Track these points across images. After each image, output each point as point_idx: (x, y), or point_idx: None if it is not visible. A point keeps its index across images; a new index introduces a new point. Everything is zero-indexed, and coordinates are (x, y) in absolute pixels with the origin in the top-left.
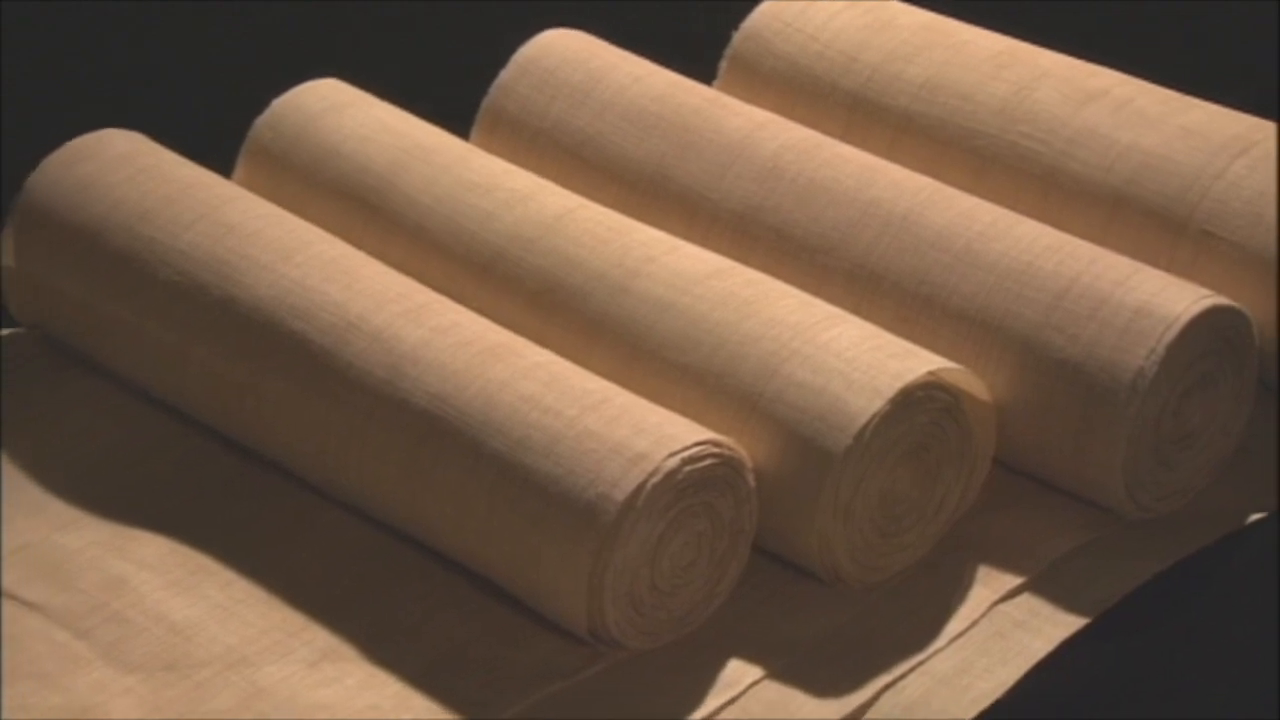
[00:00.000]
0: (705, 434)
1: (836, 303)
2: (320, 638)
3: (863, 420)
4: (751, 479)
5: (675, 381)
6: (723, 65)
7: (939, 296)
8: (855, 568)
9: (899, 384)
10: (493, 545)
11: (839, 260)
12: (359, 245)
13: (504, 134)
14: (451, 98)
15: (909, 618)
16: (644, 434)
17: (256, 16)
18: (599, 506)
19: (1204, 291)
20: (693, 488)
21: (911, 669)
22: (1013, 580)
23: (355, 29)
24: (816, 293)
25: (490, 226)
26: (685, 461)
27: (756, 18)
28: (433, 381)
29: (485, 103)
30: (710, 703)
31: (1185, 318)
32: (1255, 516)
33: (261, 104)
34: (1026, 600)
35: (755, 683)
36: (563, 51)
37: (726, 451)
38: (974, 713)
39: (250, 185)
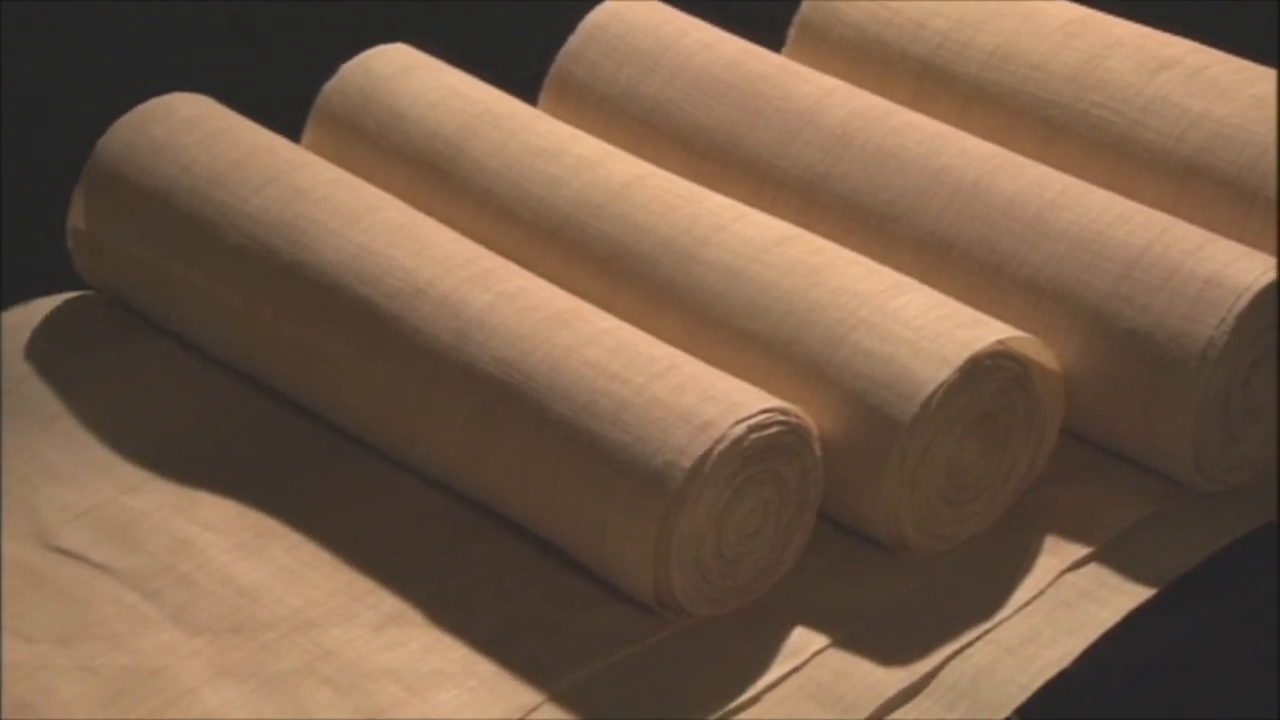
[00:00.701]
0: (772, 401)
1: (904, 271)
2: (386, 601)
3: (930, 389)
4: (818, 447)
5: (742, 349)
6: (791, 32)
7: (1008, 265)
8: (921, 536)
9: (967, 353)
10: (559, 511)
11: (907, 228)
12: (426, 210)
13: (571, 100)
14: (519, 63)
15: (975, 586)
16: (711, 401)
17: None
18: (666, 474)
19: (1275, 262)
20: (759, 455)
21: (978, 638)
22: (1080, 550)
23: None
24: (884, 261)
25: (558, 192)
26: (752, 429)
27: None
28: (499, 347)
29: (553, 69)
30: (775, 670)
31: (1255, 288)
32: None
33: (330, 69)
34: (1093, 570)
35: (820, 650)
36: (631, 18)
37: (793, 419)
38: (1040, 682)
39: (318, 150)
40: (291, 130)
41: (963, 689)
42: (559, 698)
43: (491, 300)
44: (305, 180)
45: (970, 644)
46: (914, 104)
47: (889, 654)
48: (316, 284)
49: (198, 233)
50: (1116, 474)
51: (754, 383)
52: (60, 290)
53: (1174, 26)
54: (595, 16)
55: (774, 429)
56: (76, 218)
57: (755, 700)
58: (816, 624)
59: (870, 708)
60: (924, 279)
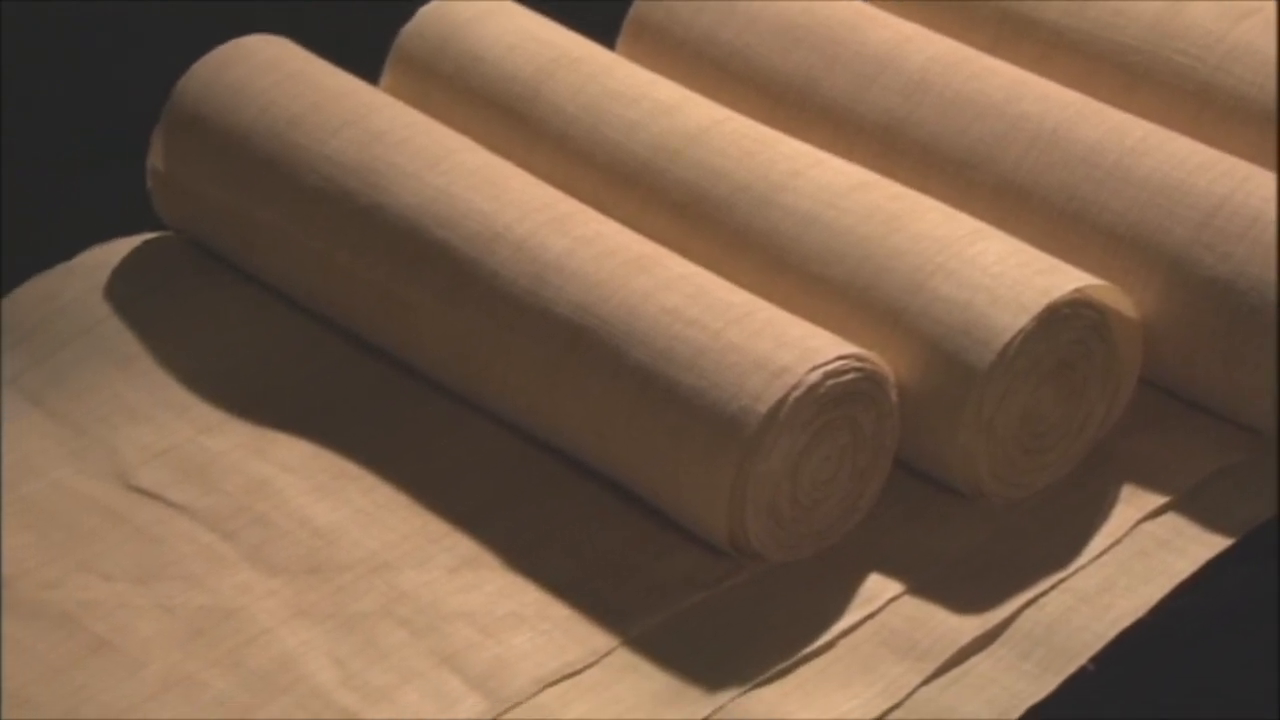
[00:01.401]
0: (848, 348)
1: (982, 218)
2: (462, 544)
3: (1007, 336)
4: (894, 393)
5: (819, 295)
6: None
7: (1088, 212)
8: (997, 484)
9: (1045, 300)
10: (634, 456)
11: (985, 175)
12: (504, 154)
13: (649, 45)
14: (596, 8)
15: (1051, 535)
16: (787, 347)
17: None
18: (741, 419)
19: None
20: (835, 401)
21: (1053, 586)
22: (1157, 499)
23: None
24: (962, 207)
25: (635, 137)
26: (828, 375)
27: None
28: (576, 291)
29: (631, 13)
30: (850, 616)
31: None
32: None
33: (408, 12)
34: (1170, 520)
35: (895, 598)
36: None
37: (869, 366)
38: (1115, 631)
39: (396, 93)
40: (369, 73)
41: (1038, 637)
42: (633, 642)
43: (569, 245)
44: (383, 123)
45: (1045, 592)
46: (993, 50)
47: (964, 602)
48: (394, 227)
49: (275, 175)
50: (1194, 423)
51: (830, 329)
52: (139, 231)
53: None
54: None
55: (850, 375)
56: (156, 159)
57: (829, 646)
58: (891, 571)
59: (944, 655)
60: (1002, 225)
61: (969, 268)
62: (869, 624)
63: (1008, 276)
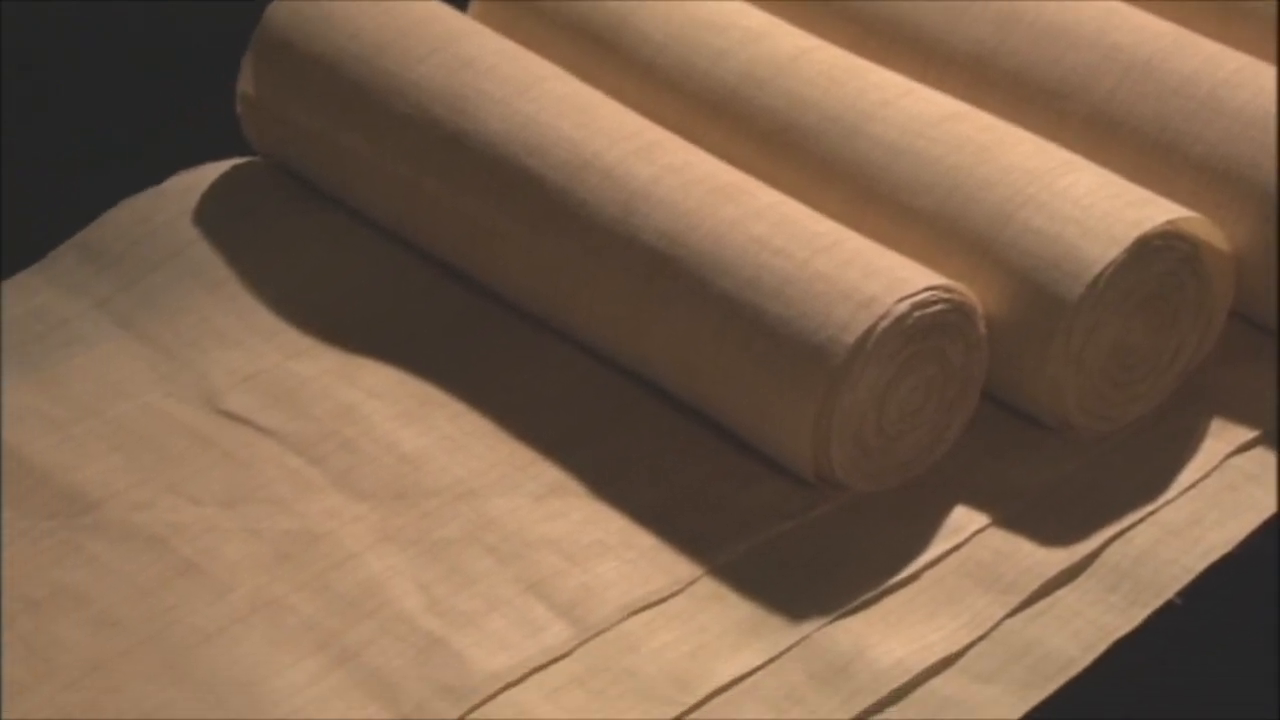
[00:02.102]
0: (937, 279)
1: (1073, 149)
2: (547, 472)
3: (1098, 268)
4: (982, 325)
5: (907, 226)
6: None
7: (1180, 144)
8: (1085, 417)
9: (1136, 232)
10: (720, 385)
11: (1077, 105)
12: (592, 82)
13: None
14: None
15: (1139, 468)
16: (875, 278)
17: None
18: (828, 350)
19: None
20: (922, 333)
21: (1141, 519)
22: (1246, 433)
23: None
24: (1053, 139)
25: (723, 65)
26: (916, 306)
27: None
28: (663, 220)
29: None
30: (935, 548)
31: None
32: None
33: None
34: (1259, 454)
35: (981, 530)
36: None
37: (958, 297)
38: (1204, 565)
39: (485, 20)
40: (458, 1)
41: (1125, 570)
42: (717, 571)
43: (656, 173)
44: (472, 49)
45: (1133, 526)
46: None
47: (1050, 534)
48: (482, 154)
49: (364, 101)
50: None
51: (918, 259)
52: (228, 156)
53: None
54: None
55: (938, 306)
56: (245, 84)
57: (914, 578)
58: (977, 503)
59: (1030, 588)
60: (1093, 157)
61: (1059, 199)
62: (954, 556)
63: (1099, 209)
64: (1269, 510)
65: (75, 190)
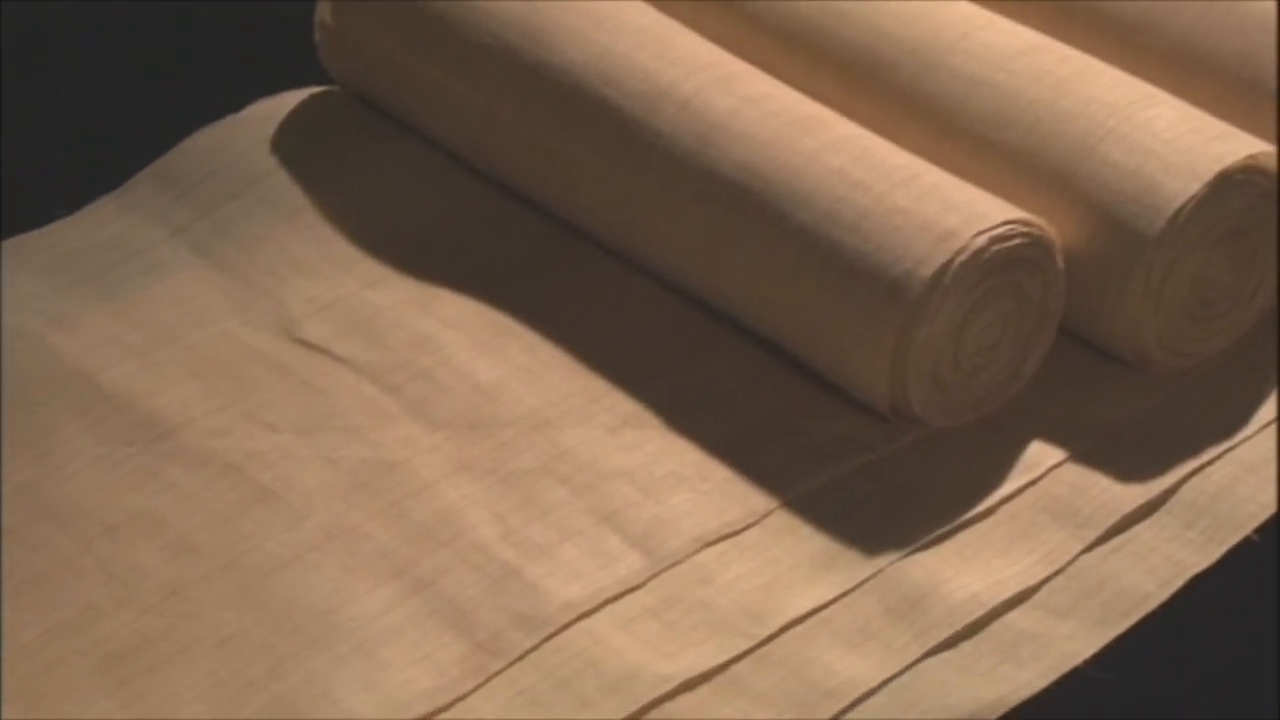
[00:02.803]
0: (1015, 213)
1: (1154, 83)
2: (622, 404)
3: (1178, 203)
4: (1060, 260)
5: (986, 159)
6: None
7: (1262, 79)
8: (1164, 352)
9: (1217, 167)
10: (796, 318)
11: (1158, 39)
12: (670, 13)
13: None
14: None
15: (1217, 404)
16: (953, 211)
17: None
18: (905, 283)
19: None
20: (1000, 267)
21: (1219, 455)
22: None
23: None
24: (1133, 72)
25: None
26: (994, 240)
27: None
28: (741, 152)
29: None
30: (1011, 483)
31: None
32: None
33: None
34: None
35: (1057, 465)
36: None
37: (1036, 231)
38: None
39: None
40: None
41: (1202, 507)
42: (792, 504)
43: (734, 105)
44: None
45: (1211, 462)
46: None
47: (1127, 470)
48: (558, 84)
49: (442, 30)
50: None
51: (997, 193)
52: (306, 84)
53: None
54: None
55: (1016, 240)
56: (324, 13)
57: (990, 513)
58: (1054, 438)
59: (1106, 523)
60: (1174, 91)
61: (1140, 133)
62: (1030, 491)
63: (1180, 143)
64: None
65: (153, 118)
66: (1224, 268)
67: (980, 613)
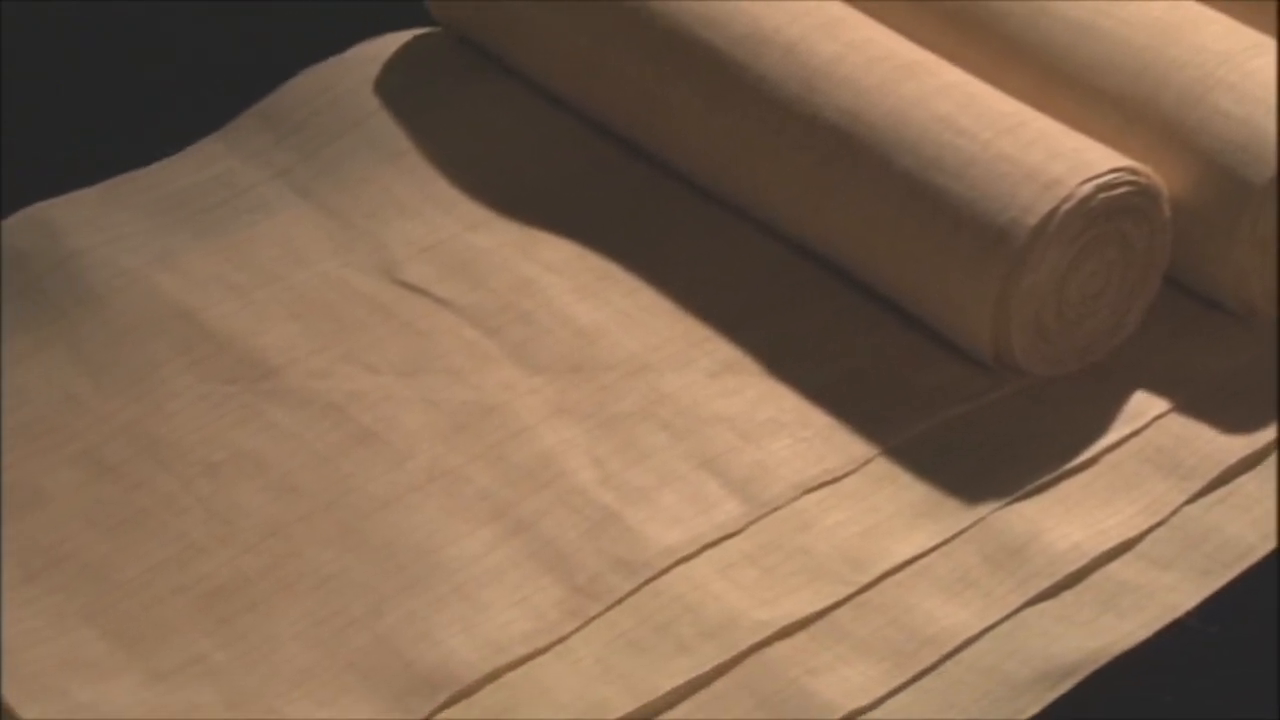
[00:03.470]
0: (1122, 161)
1: (1264, 32)
2: (722, 349)
3: None
4: (1167, 209)
5: (1092, 107)
6: None
7: None
8: (1270, 303)
9: None
10: (899, 265)
11: None
12: None
13: None
14: None
15: None
16: (1060, 159)
17: None
18: (1010, 231)
19: None
20: (1106, 215)
21: None
22: None
23: None
24: (1242, 19)
25: None
26: (1100, 188)
27: None
28: (845, 97)
29: None
30: (1114, 433)
31: None
32: None
33: None
34: None
35: (1161, 415)
36: None
37: (1143, 180)
38: None
39: None
40: None
41: None
42: (892, 452)
43: (839, 50)
44: None
45: None
46: None
47: (1232, 421)
48: (662, 28)
49: None
50: None
51: (1103, 142)
52: (410, 26)
53: None
54: None
55: (1123, 189)
56: None
57: (1092, 462)
58: (1158, 388)
59: (1210, 475)
60: None
61: (1249, 82)
62: (1133, 441)
63: None
64: None
65: (257, 58)
66: None
67: (1082, 562)
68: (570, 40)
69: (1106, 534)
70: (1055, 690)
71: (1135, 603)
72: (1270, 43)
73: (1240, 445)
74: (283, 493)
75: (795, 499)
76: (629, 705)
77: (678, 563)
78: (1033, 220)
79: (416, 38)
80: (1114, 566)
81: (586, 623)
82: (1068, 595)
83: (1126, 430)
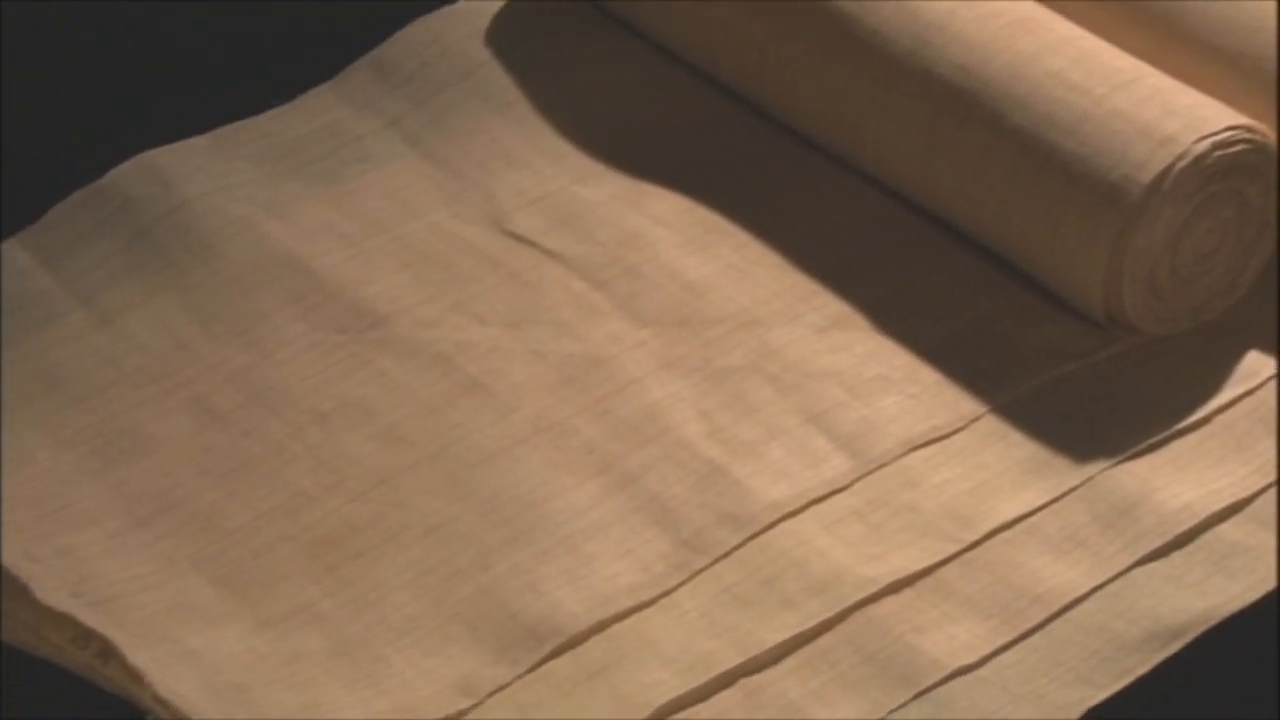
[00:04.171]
0: (1238, 118)
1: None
2: (831, 304)
3: None
4: None
5: (1208, 63)
6: None
7: None
8: None
9: None
10: (1011, 222)
11: None
12: None
13: None
14: None
15: None
16: (1174, 116)
17: None
18: (1123, 188)
19: None
20: (1221, 173)
21: None
22: None
23: None
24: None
25: None
26: (1216, 146)
27: None
28: (958, 52)
29: None
30: (1226, 393)
31: None
32: None
33: None
34: None
35: (1274, 375)
36: None
37: (1259, 138)
38: None
39: None
40: None
41: None
42: (1001, 410)
43: (951, 5)
44: None
45: None
46: None
47: None
48: None
49: None
50: None
51: (1220, 99)
52: None
53: None
54: None
55: (1239, 147)
56: None
57: (1204, 422)
58: (1271, 348)
59: None
60: None
61: None
62: (1246, 401)
63: None
64: None
65: (368, 8)
66: None
67: (1192, 523)
68: None
69: (1218, 494)
70: (1164, 651)
71: (1245, 564)
72: None
73: None
74: (390, 442)
75: (903, 455)
76: (734, 659)
77: (784, 518)
78: (1147, 178)
79: None
80: (1224, 527)
81: (692, 576)
82: (1177, 556)
83: (1239, 390)
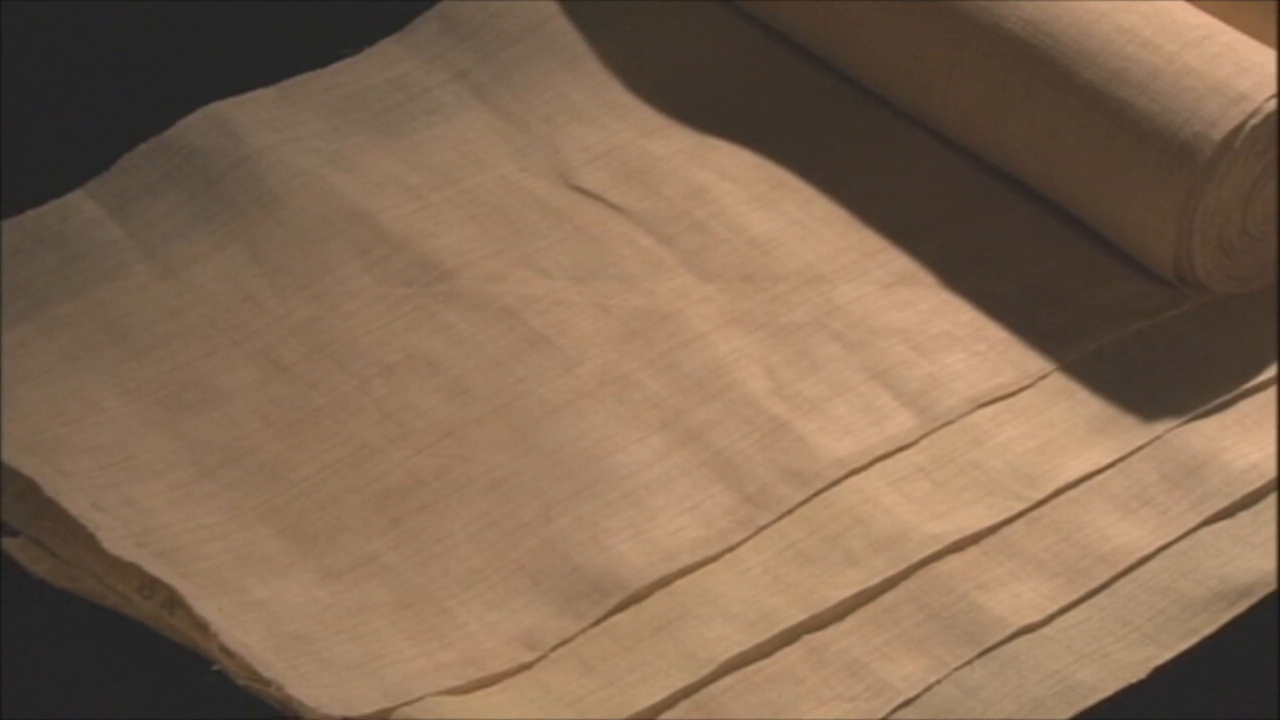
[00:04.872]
0: None
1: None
2: (897, 261)
3: None
4: None
5: None
6: None
7: None
8: None
9: None
10: (1081, 179)
11: None
12: None
13: None
14: None
15: None
16: (1247, 73)
17: None
18: (1194, 145)
19: None
20: None
21: None
22: None
23: None
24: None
25: None
26: None
27: None
28: (1028, 8)
29: None
30: None
31: None
32: None
33: None
34: None
35: None
36: None
37: None
38: None
39: None
40: None
41: None
42: (1068, 368)
43: None
44: None
45: None
46: None
47: None
48: None
49: None
50: None
51: None
52: None
53: None
54: None
55: None
56: None
57: (1272, 382)
58: None
59: None
60: None
61: None
62: None
63: None
64: None
65: None
66: None
67: (1260, 483)
68: None
69: None
70: (1231, 610)
71: None
72: None
73: None
74: (455, 395)
75: (968, 413)
76: (798, 615)
77: (849, 474)
78: (1218, 135)
79: None
80: None
81: (756, 532)
82: (1244, 516)
83: None
